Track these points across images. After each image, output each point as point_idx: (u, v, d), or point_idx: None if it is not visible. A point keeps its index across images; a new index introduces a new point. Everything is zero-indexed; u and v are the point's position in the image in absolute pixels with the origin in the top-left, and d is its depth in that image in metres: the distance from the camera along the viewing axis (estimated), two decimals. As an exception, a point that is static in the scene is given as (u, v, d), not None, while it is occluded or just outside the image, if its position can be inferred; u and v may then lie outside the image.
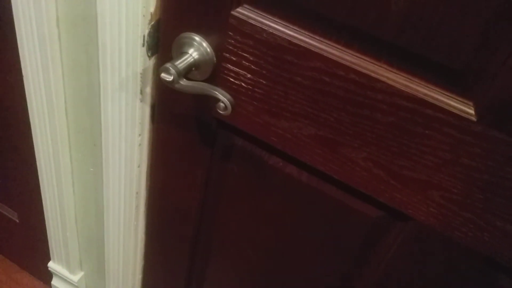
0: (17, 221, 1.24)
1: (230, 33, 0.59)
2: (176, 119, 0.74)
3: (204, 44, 0.62)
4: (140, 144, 0.78)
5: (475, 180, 0.53)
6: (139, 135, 0.77)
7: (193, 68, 0.64)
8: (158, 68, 0.62)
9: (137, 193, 0.86)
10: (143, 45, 0.66)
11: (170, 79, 0.60)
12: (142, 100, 0.72)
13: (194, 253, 0.94)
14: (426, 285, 0.66)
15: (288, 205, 0.73)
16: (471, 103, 0.50)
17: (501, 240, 0.56)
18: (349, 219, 0.68)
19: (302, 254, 0.78)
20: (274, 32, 0.57)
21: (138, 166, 0.82)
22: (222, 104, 0.60)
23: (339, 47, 0.55)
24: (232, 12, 0.58)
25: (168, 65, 0.60)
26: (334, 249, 0.73)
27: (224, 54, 0.61)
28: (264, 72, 0.60)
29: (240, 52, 0.60)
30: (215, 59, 0.63)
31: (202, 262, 0.95)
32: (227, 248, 0.88)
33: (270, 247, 0.81)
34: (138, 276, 1.07)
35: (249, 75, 0.61)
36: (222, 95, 0.60)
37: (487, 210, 0.54)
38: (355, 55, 0.54)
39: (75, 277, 1.20)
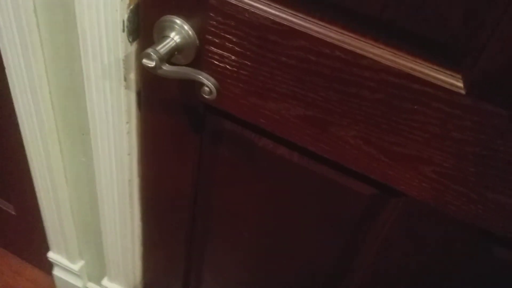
0: (14, 213, 1.24)
1: (211, 14, 0.58)
2: (163, 105, 0.73)
3: (186, 27, 0.61)
4: (128, 132, 0.77)
5: (466, 154, 0.52)
6: (127, 122, 0.75)
7: (176, 52, 0.62)
8: (140, 53, 0.61)
9: (129, 180, 0.86)
10: (123, 31, 0.64)
11: (152, 65, 0.59)
12: (126, 87, 0.71)
13: (191, 237, 0.94)
14: (422, 260, 0.66)
15: (281, 186, 0.73)
16: (459, 76, 0.49)
17: (495, 211, 0.55)
18: (343, 198, 0.68)
19: (297, 234, 0.77)
20: (256, 11, 0.55)
21: (128, 154, 0.81)
22: (206, 88, 0.59)
23: (323, 24, 0.53)
24: (212, -7, 0.56)
25: (149, 50, 0.58)
26: (329, 228, 0.73)
27: (207, 36, 0.60)
28: (248, 53, 0.59)
29: (222, 34, 0.58)
30: (197, 42, 0.61)
31: (200, 246, 0.95)
32: (223, 231, 0.88)
33: (266, 228, 0.81)
34: (138, 262, 1.07)
35: (233, 57, 0.60)
36: (206, 79, 0.59)
37: (480, 183, 0.54)
38: (340, 32, 0.53)
39: (76, 266, 1.20)
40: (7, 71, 0.81)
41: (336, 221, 0.71)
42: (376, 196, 0.65)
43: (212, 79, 0.59)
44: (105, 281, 1.16)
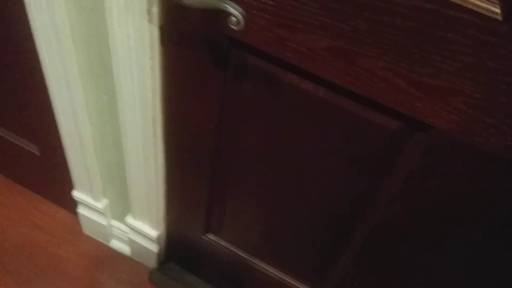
0: (38, 154, 1.26)
1: None
2: (186, 39, 0.72)
3: (211, -46, 0.59)
4: (151, 68, 0.77)
5: (499, 84, 0.52)
6: (150, 58, 0.75)
7: (201, -18, 0.61)
8: (164, -16, 0.59)
9: (153, 118, 0.86)
10: (147, -40, 0.63)
11: (177, -6, 0.58)
12: (150, 21, 0.70)
13: (214, 175, 0.95)
14: (448, 194, 0.67)
15: (305, 122, 0.73)
16: (497, 2, 0.47)
17: (524, 144, 0.55)
18: (368, 132, 0.68)
19: (321, 171, 0.78)
20: None
21: (152, 91, 0.81)
22: (234, 18, 0.58)
23: None
24: None
25: (174, -21, 0.57)
26: (353, 163, 0.73)
27: (232, -36, 0.58)
28: (275, -19, 0.57)
29: (249, -39, 0.57)
30: (223, -30, 0.60)
31: (222, 184, 0.96)
32: (246, 168, 0.89)
33: (289, 165, 0.82)
34: (161, 200, 1.10)
35: (259, -14, 0.58)
36: (233, 8, 0.57)
37: (511, 114, 0.53)
38: (372, -44, 0.51)
39: (100, 204, 1.24)
40: (27, 7, 0.80)
41: (361, 156, 0.71)
42: (402, 129, 0.64)
43: (240, 8, 0.58)
44: (129, 219, 1.20)
